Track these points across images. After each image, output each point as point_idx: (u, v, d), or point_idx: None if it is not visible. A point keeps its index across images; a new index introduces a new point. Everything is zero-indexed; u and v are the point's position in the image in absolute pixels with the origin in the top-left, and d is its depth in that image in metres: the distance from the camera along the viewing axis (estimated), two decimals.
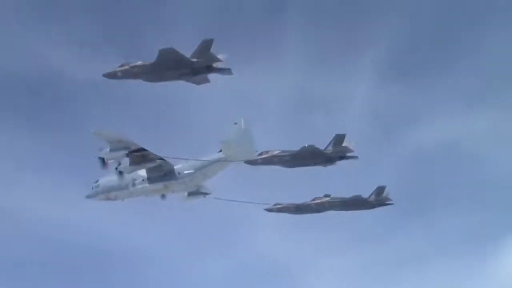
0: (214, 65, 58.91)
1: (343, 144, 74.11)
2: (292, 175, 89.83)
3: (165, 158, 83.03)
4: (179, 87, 70.44)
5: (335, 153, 73.89)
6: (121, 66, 60.13)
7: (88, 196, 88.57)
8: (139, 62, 59.47)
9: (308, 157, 73.93)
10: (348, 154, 74.59)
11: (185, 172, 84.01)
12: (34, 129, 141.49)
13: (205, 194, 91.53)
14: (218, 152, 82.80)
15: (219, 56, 59.07)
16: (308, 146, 73.28)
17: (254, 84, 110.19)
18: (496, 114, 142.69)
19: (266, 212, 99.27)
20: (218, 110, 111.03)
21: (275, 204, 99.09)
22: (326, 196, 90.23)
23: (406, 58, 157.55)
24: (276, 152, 74.75)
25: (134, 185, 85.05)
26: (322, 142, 79.12)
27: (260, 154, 76.20)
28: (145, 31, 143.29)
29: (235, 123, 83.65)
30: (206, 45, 57.16)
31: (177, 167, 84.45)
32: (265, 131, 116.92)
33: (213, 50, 58.22)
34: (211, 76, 60.74)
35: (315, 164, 74.83)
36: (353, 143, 74.18)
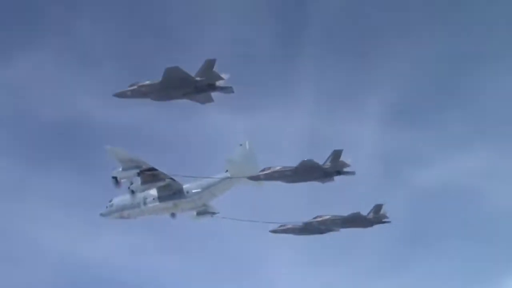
0: (217, 83, 62.34)
1: (341, 160, 76.93)
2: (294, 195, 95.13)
3: (174, 178, 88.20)
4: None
5: (333, 168, 76.43)
6: (131, 86, 64.38)
7: (102, 215, 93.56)
8: (147, 82, 63.60)
9: (307, 171, 76.46)
10: (345, 170, 77.38)
11: (193, 191, 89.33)
12: (65, 169, 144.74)
13: (213, 213, 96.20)
14: (225, 172, 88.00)
15: (222, 75, 63.07)
16: (307, 160, 75.94)
17: (265, 121, 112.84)
18: (494, 153, 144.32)
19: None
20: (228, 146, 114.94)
21: (280, 226, 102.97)
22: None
23: (412, 100, 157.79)
24: (277, 168, 78.35)
25: (145, 203, 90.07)
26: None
27: (262, 170, 79.98)
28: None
29: (240, 145, 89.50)
30: (209, 65, 60.45)
31: (185, 186, 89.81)
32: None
33: (216, 70, 62.25)
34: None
35: (315, 178, 77.96)
36: (349, 160, 77.58)
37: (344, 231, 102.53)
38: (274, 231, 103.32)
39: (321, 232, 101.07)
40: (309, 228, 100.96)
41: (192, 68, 62.13)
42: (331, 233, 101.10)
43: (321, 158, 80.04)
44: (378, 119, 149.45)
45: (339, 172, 77.41)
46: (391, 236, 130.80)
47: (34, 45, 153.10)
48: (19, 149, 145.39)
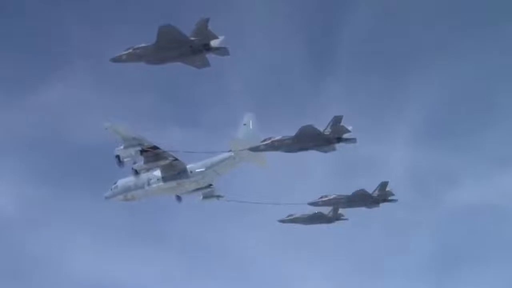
0: (212, 43, 61.28)
1: (341, 125, 75.06)
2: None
3: (177, 158, 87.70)
4: None
5: (333, 134, 74.23)
6: (126, 50, 64.53)
7: (107, 197, 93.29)
8: (142, 44, 63.59)
9: (308, 138, 74.51)
10: (346, 136, 75.05)
11: (197, 170, 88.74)
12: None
13: (219, 196, 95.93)
14: (228, 151, 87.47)
15: (217, 36, 62.19)
16: (306, 125, 74.02)
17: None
18: None
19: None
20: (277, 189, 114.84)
21: (288, 216, 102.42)
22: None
23: (442, 120, 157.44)
24: (277, 137, 77.25)
25: (149, 184, 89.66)
26: None
27: (263, 140, 78.98)
28: (200, 102, 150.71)
29: (244, 124, 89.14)
30: (203, 23, 59.58)
31: (189, 166, 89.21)
32: (309, 189, 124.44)
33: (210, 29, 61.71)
34: None
35: (315, 146, 76.26)
36: (351, 127, 76.17)
37: (354, 221, 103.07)
38: (282, 221, 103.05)
39: (328, 221, 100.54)
40: (317, 217, 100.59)
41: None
42: (340, 221, 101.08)
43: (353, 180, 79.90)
44: (409, 138, 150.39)
45: (339, 139, 75.10)
46: (424, 255, 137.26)
47: (65, 70, 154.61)
48: (51, 173, 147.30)
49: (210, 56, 62.75)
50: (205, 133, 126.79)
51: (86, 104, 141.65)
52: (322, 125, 75.19)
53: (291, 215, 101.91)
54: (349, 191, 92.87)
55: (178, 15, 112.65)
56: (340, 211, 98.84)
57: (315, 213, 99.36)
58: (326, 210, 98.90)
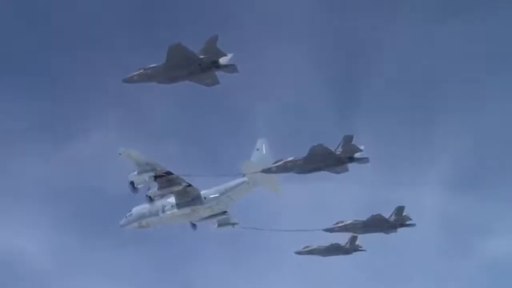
0: (221, 61, 61.85)
1: (352, 144, 74.46)
2: None
3: (192, 184, 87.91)
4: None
5: (345, 153, 73.77)
6: (138, 71, 65.40)
7: (122, 225, 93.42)
8: (153, 65, 64.48)
9: (319, 158, 73.96)
10: (358, 155, 74.49)
11: (211, 196, 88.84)
12: None
13: (234, 224, 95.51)
14: (242, 175, 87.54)
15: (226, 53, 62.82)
16: (317, 145, 73.51)
17: (323, 188, 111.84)
18: None
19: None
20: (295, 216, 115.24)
21: (305, 247, 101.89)
22: None
23: (474, 167, 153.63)
24: (289, 159, 77.04)
25: (164, 211, 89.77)
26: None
27: (275, 162, 79.05)
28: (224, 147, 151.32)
29: (257, 149, 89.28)
30: (212, 41, 60.55)
31: (203, 192, 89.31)
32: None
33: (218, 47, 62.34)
34: None
35: (327, 166, 75.78)
36: (362, 146, 75.79)
37: (372, 252, 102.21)
38: (299, 252, 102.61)
39: (346, 252, 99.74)
40: (334, 249, 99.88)
41: None
42: (358, 252, 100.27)
43: None
44: (440, 185, 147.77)
45: (351, 159, 74.62)
46: None
47: (99, 120, 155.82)
48: (82, 222, 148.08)
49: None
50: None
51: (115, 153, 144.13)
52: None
53: (307, 246, 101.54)
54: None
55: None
56: (358, 241, 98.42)
57: (332, 244, 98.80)
58: (343, 240, 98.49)
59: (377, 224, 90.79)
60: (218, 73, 63.61)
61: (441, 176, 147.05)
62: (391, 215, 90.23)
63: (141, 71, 64.95)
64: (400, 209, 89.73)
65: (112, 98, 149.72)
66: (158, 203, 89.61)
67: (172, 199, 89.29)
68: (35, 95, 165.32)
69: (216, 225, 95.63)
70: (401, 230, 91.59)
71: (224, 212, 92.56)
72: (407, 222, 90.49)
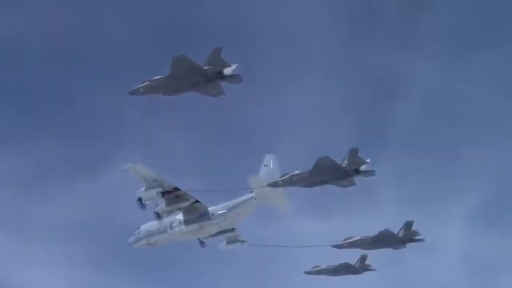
0: (225, 71, 62.03)
1: (358, 156, 74.25)
2: None
3: (199, 200, 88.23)
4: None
5: (350, 165, 73.33)
6: (143, 82, 65.97)
7: (130, 243, 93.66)
8: (157, 76, 64.96)
9: (325, 170, 73.38)
10: (363, 168, 74.09)
11: (218, 212, 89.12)
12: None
13: (242, 241, 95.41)
14: (250, 193, 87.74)
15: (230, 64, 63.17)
16: (323, 157, 73.14)
17: (345, 223, 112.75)
18: None
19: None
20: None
21: (314, 267, 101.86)
22: None
23: (498, 204, 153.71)
24: (296, 172, 76.95)
25: (172, 228, 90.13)
26: None
27: (281, 176, 79.13)
28: None
29: (265, 165, 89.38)
30: (216, 52, 60.73)
31: (210, 208, 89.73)
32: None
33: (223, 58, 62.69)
34: None
35: (334, 179, 75.53)
36: (369, 159, 75.59)
37: (382, 273, 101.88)
38: (308, 272, 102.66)
39: (355, 272, 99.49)
40: (343, 268, 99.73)
41: None
42: (368, 272, 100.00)
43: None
44: (464, 222, 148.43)
45: (357, 171, 74.23)
46: None
47: (116, 154, 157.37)
48: (102, 257, 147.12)
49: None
50: None
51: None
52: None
53: (316, 266, 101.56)
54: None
55: None
56: (368, 261, 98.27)
57: (341, 264, 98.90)
58: (353, 260, 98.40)
59: (386, 240, 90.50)
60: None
61: (466, 211, 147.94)
62: (399, 230, 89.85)
63: (146, 83, 65.18)
64: (408, 224, 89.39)
65: (131, 132, 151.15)
66: (166, 220, 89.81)
67: (180, 216, 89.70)
68: (56, 133, 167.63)
69: (225, 243, 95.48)
70: (424, 266, 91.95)
71: (233, 229, 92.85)
72: (416, 237, 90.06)
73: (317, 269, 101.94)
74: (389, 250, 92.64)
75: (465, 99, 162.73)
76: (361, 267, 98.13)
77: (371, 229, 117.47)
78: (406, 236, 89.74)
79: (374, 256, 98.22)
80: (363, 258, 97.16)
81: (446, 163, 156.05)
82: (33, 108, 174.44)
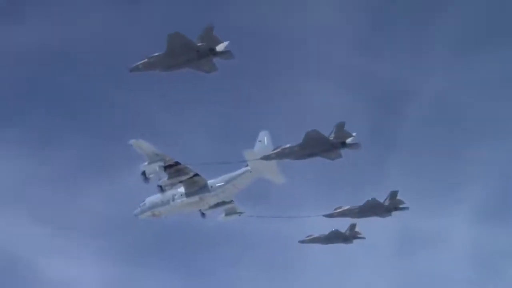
0: (218, 48, 66.92)
1: (344, 130, 79.11)
2: None
3: (199, 174, 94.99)
4: None
5: (337, 138, 78.45)
6: (142, 60, 71.86)
7: (136, 214, 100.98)
8: (155, 54, 70.88)
9: (314, 143, 78.70)
10: (349, 141, 79.03)
11: (217, 185, 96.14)
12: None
13: (240, 213, 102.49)
14: (245, 166, 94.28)
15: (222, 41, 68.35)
16: (311, 130, 78.24)
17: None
18: None
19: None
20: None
21: (307, 236, 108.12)
22: None
23: (505, 197, 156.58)
24: (287, 145, 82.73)
25: (174, 200, 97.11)
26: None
27: (274, 149, 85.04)
28: None
29: (259, 141, 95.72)
30: (208, 30, 65.93)
31: (210, 181, 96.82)
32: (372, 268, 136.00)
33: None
34: None
35: (322, 152, 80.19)
36: (354, 133, 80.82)
37: (372, 240, 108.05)
38: (302, 241, 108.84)
39: (346, 239, 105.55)
40: (334, 236, 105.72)
41: None
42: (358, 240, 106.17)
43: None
44: (471, 216, 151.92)
45: (344, 144, 79.58)
46: None
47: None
48: (133, 252, 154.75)
49: None
50: None
51: None
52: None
53: (310, 235, 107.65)
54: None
55: None
56: (358, 229, 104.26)
57: (332, 231, 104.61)
58: (343, 227, 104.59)
59: (372, 209, 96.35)
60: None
61: (472, 206, 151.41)
62: (385, 200, 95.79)
63: (145, 60, 70.81)
64: (394, 194, 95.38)
65: (161, 134, 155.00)
66: (169, 193, 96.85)
67: (181, 189, 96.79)
68: (90, 131, 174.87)
69: (224, 215, 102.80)
70: (432, 263, 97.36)
71: (231, 201, 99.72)
72: (401, 206, 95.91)
73: (310, 238, 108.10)
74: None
75: (468, 94, 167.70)
76: (351, 235, 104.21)
77: (382, 224, 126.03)
78: (391, 205, 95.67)
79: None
80: (353, 226, 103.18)
81: (453, 161, 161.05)
82: (67, 108, 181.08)
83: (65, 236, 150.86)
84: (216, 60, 68.79)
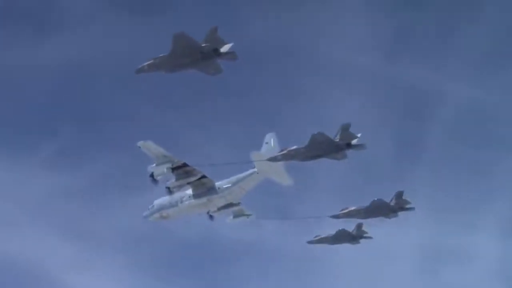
0: (222, 50, 67.38)
1: (349, 131, 79.40)
2: None
3: (206, 176, 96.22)
4: None
5: (342, 140, 79.17)
6: (148, 61, 73.10)
7: (145, 217, 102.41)
8: (160, 55, 72.01)
9: (319, 145, 79.45)
10: (354, 142, 79.61)
11: (224, 186, 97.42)
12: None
13: (248, 215, 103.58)
14: (251, 165, 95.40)
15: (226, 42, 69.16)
16: (317, 133, 78.93)
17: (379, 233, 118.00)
18: None
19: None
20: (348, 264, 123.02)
21: (315, 236, 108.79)
22: None
23: None
24: (293, 147, 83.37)
25: (182, 202, 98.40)
26: None
27: (280, 151, 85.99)
28: None
29: (266, 143, 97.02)
30: (213, 31, 66.55)
31: (217, 183, 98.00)
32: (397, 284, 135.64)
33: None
34: None
35: (328, 153, 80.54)
36: (359, 134, 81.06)
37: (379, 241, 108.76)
38: (310, 242, 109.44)
39: (353, 238, 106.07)
40: (341, 235, 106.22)
41: None
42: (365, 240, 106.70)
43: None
44: (498, 231, 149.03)
45: (349, 145, 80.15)
46: None
47: None
48: (157, 267, 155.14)
49: None
50: None
51: None
52: None
53: (317, 235, 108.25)
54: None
55: None
56: (364, 228, 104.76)
57: (339, 231, 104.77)
58: (350, 227, 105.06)
59: (378, 209, 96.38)
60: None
61: (500, 221, 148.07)
62: (391, 200, 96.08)
63: (151, 61, 71.79)
64: (399, 194, 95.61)
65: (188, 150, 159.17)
66: (177, 195, 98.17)
67: (189, 191, 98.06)
68: (116, 146, 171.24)
69: (232, 217, 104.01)
70: (458, 279, 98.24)
71: (238, 203, 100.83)
72: (407, 206, 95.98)
73: (318, 238, 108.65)
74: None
75: (499, 113, 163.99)
76: (358, 234, 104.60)
77: (406, 239, 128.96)
78: (397, 205, 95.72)
79: None
80: (359, 225, 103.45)
81: (480, 174, 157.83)
82: (94, 124, 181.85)
83: (92, 251, 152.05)
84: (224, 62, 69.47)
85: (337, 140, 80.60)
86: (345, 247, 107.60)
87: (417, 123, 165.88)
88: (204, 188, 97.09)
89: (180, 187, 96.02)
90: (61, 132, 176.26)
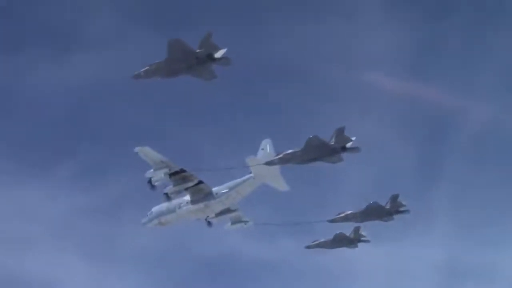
0: (216, 55, 68.18)
1: (344, 135, 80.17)
2: None
3: (204, 181, 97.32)
4: None
5: (337, 143, 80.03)
6: (144, 67, 74.30)
7: (144, 223, 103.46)
8: (156, 61, 73.24)
9: (315, 148, 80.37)
10: (349, 145, 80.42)
11: (221, 192, 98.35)
12: None
13: (246, 221, 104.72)
14: (247, 170, 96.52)
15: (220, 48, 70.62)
16: (312, 136, 79.98)
17: (401, 250, 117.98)
18: None
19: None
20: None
21: (313, 241, 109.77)
22: None
23: None
24: (289, 151, 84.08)
25: (180, 207, 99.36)
26: None
27: (277, 155, 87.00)
28: None
29: (262, 149, 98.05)
30: (207, 36, 67.42)
31: (214, 189, 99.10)
32: None
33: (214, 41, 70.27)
34: None
35: (323, 157, 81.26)
36: (354, 137, 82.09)
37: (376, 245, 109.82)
38: (308, 247, 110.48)
39: (351, 242, 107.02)
40: (339, 239, 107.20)
41: None
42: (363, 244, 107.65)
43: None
44: None
45: (344, 148, 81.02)
46: None
47: None
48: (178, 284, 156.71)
49: None
50: None
51: None
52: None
53: (315, 240, 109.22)
54: None
55: None
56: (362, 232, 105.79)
57: (337, 234, 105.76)
58: (348, 231, 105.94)
59: (374, 212, 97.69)
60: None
61: None
62: (386, 203, 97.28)
63: (147, 67, 73.04)
64: (394, 197, 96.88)
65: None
66: (175, 201, 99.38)
67: (187, 197, 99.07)
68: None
69: (230, 224, 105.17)
70: None
71: (236, 210, 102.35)
72: (401, 209, 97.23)
73: (316, 242, 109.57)
74: None
75: None
76: (355, 238, 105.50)
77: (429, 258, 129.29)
78: (393, 208, 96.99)
79: None
80: (357, 229, 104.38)
81: (502, 189, 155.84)
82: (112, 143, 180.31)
83: (111, 269, 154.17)
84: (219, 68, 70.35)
85: (332, 143, 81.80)
86: (366, 265, 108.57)
87: (439, 139, 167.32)
88: (201, 193, 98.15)
89: (178, 193, 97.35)
90: (80, 152, 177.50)
